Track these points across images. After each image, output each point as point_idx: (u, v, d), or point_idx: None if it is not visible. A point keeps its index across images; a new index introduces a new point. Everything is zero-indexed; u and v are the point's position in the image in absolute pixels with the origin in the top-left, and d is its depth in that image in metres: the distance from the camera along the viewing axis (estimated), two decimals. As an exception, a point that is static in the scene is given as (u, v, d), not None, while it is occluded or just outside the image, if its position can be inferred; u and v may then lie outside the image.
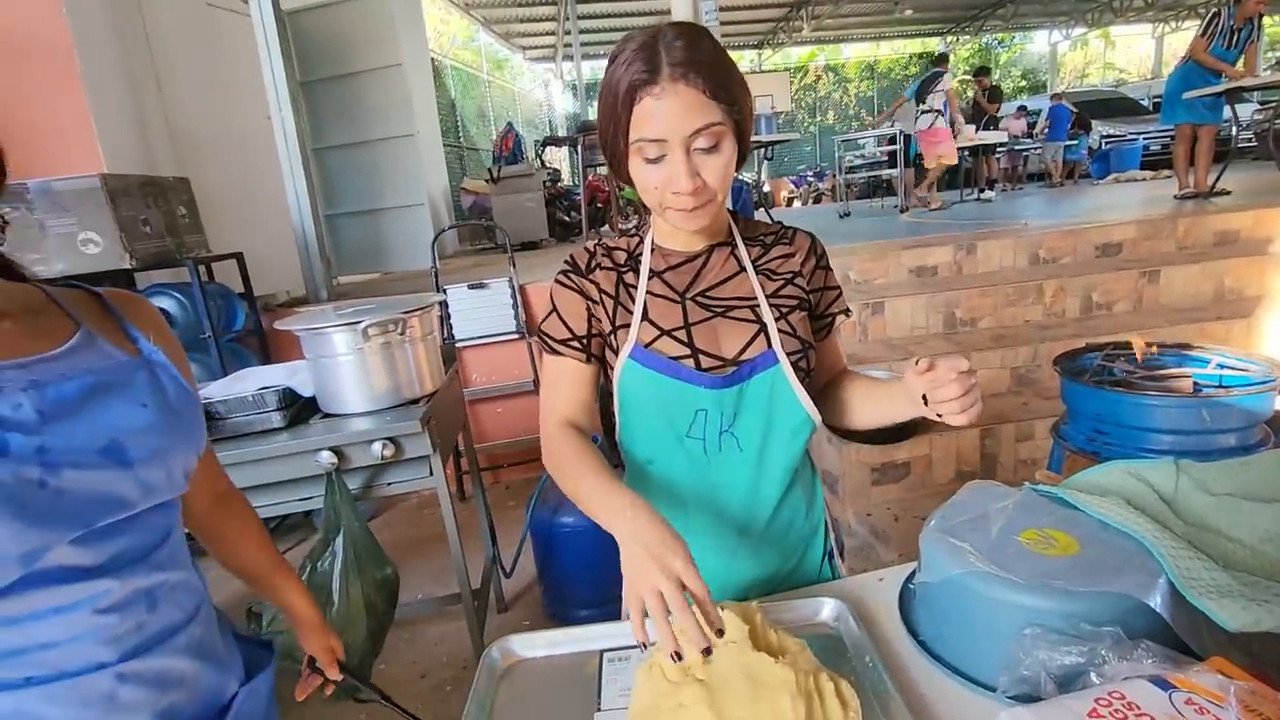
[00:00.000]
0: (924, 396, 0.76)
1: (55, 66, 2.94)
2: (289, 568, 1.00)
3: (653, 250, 0.92)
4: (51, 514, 0.61)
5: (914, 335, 3.31)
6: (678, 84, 0.74)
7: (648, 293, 0.89)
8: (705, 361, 0.85)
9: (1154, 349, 1.80)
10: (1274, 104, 5.59)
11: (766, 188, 10.30)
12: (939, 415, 0.76)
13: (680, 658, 0.64)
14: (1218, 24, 4.74)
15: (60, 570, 0.62)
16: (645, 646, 0.68)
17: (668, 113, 0.74)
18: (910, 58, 19.59)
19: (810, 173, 14.50)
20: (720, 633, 0.67)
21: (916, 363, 0.75)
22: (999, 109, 8.86)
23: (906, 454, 2.66)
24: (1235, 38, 4.72)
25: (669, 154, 0.76)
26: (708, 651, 0.64)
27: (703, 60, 0.74)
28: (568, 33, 12.50)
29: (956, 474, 2.70)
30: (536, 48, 15.35)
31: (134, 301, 0.80)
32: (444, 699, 2.00)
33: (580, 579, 2.19)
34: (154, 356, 0.76)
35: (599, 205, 7.34)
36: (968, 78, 11.77)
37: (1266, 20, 7.05)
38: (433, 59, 8.92)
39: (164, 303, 2.79)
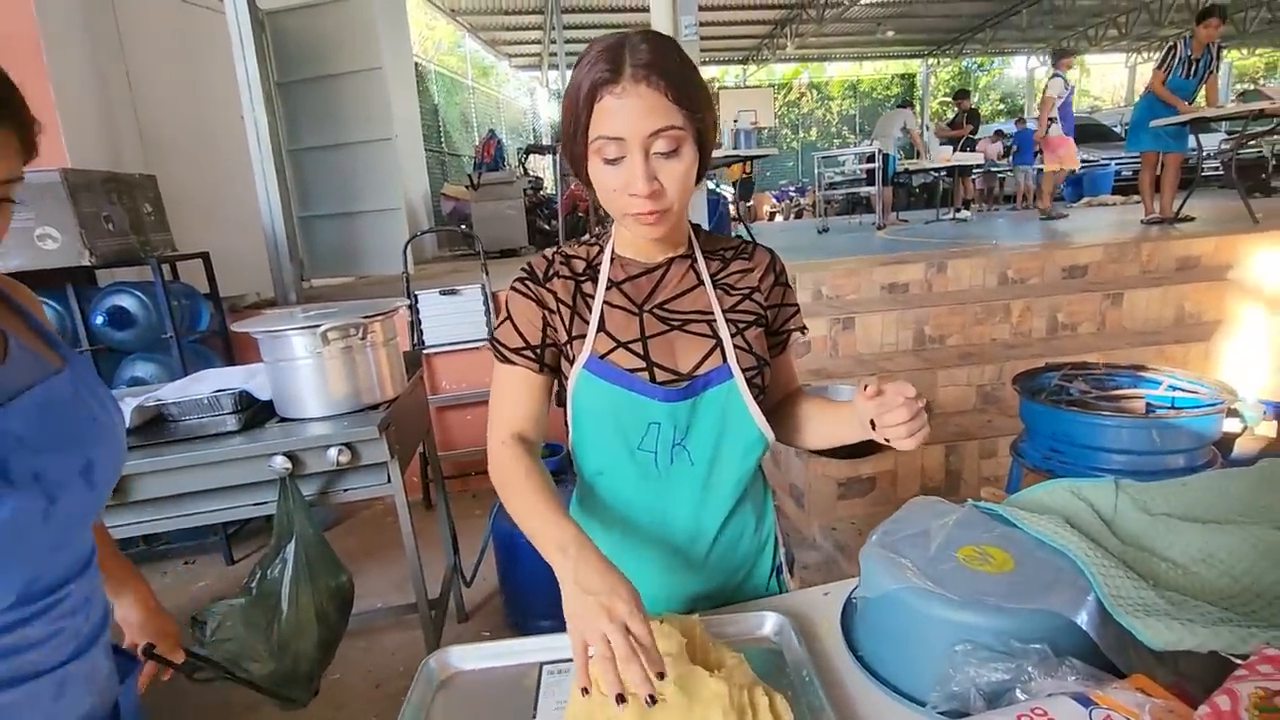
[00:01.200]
0: (871, 421, 0.76)
1: (21, 59, 2.87)
2: (123, 559, 0.98)
3: (612, 260, 0.91)
4: (49, 546, 0.64)
5: (884, 351, 3.35)
6: (639, 85, 0.74)
7: (605, 303, 0.88)
8: (660, 375, 0.85)
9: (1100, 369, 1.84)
10: (1238, 134, 5.76)
11: (750, 201, 10.39)
12: (886, 440, 0.76)
13: (624, 700, 0.62)
14: (1175, 55, 4.87)
15: (46, 583, 0.65)
16: (586, 691, 0.65)
17: (628, 112, 0.74)
18: (892, 78, 19.95)
19: (792, 188, 14.67)
20: (661, 676, 0.64)
21: (865, 388, 0.75)
22: (975, 130, 9.06)
23: (872, 469, 2.68)
24: (1194, 67, 4.86)
25: (627, 155, 0.76)
26: (652, 700, 0.62)
27: (667, 65, 0.75)
28: (553, 41, 12.54)
29: (921, 489, 2.73)
30: (522, 55, 15.37)
31: (22, 290, 0.75)
32: (398, 709, 1.96)
33: (542, 589, 2.15)
34: (76, 361, 0.74)
35: (580, 215, 7.35)
36: (948, 100, 12.02)
37: (1234, 54, 7.29)
38: (416, 63, 8.90)
39: (125, 301, 2.73)
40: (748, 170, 7.31)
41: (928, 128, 9.53)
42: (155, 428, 1.65)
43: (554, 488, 0.82)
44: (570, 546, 0.71)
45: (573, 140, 0.80)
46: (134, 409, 1.62)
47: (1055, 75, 6.51)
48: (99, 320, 2.70)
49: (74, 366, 0.72)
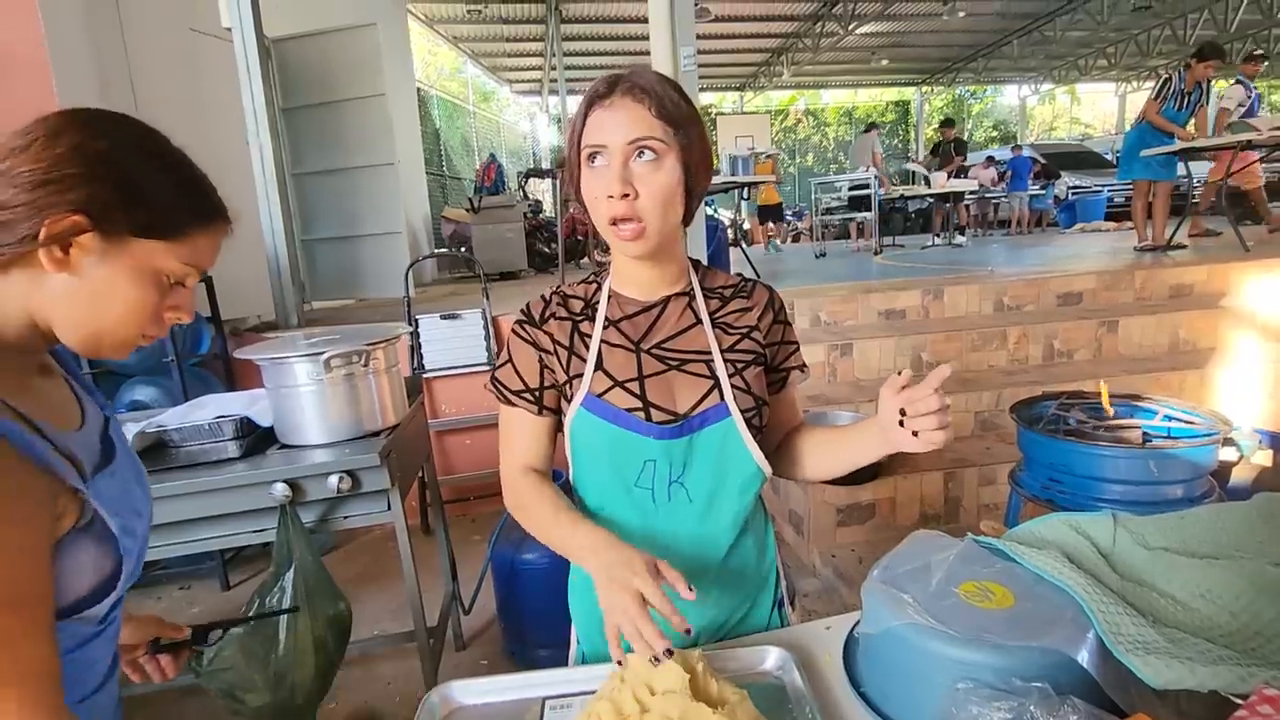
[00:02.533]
0: (901, 418, 0.75)
1: (30, 84, 2.92)
2: None
3: (610, 298, 0.93)
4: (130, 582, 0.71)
5: (881, 377, 3.36)
6: (625, 98, 0.80)
7: (603, 341, 0.89)
8: (657, 415, 0.86)
9: (1103, 398, 1.85)
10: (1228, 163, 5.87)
11: (746, 225, 10.49)
12: (915, 433, 0.75)
13: (660, 661, 0.70)
14: (1169, 88, 4.98)
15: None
16: (620, 664, 0.73)
17: (612, 120, 0.80)
18: (886, 105, 20.27)
19: (789, 212, 14.80)
20: (688, 632, 0.73)
21: (900, 373, 0.76)
22: (965, 159, 9.20)
23: (871, 495, 2.68)
24: (1186, 100, 4.97)
25: (609, 161, 0.80)
26: (669, 653, 0.70)
27: (655, 88, 0.81)
28: (554, 68, 12.74)
29: (920, 516, 2.73)
30: (523, 81, 15.60)
31: None
32: (394, 742, 1.94)
33: (541, 618, 2.15)
34: (109, 411, 0.77)
35: (579, 238, 7.41)
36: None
37: (1221, 84, 7.43)
38: (419, 89, 9.02)
39: (127, 325, 2.74)
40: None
41: (910, 158, 9.70)
42: (156, 454, 1.65)
43: (568, 501, 0.88)
44: (589, 545, 0.79)
45: (571, 157, 0.86)
46: (136, 434, 1.63)
47: (1237, 81, 5.65)
48: (100, 344, 2.70)
49: (110, 413, 0.76)
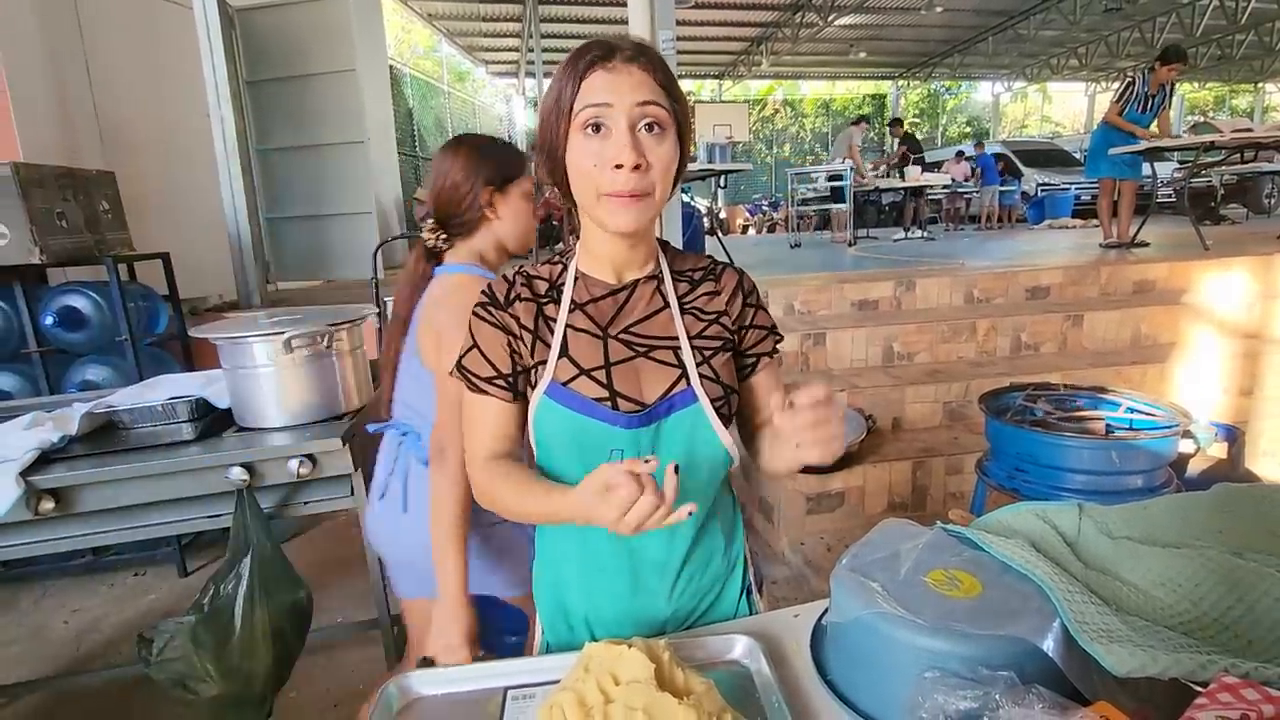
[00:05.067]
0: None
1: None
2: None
3: (576, 279, 0.89)
4: None
5: (854, 367, 3.38)
6: (630, 64, 0.77)
7: (568, 326, 0.86)
8: (624, 404, 0.83)
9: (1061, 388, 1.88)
10: (1190, 164, 6.01)
11: (723, 214, 10.48)
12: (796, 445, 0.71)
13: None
14: (1132, 91, 5.06)
15: None
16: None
17: (617, 83, 0.76)
18: (864, 98, 20.40)
19: (765, 202, 14.85)
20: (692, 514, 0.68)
21: (788, 404, 0.70)
22: (918, 155, 9.40)
23: (841, 484, 2.70)
24: (1150, 103, 5.05)
25: (613, 126, 0.75)
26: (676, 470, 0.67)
27: (655, 58, 0.79)
28: (530, 49, 12.55)
29: (889, 505, 2.76)
30: (499, 62, 15.35)
31: None
32: (357, 730, 1.90)
33: (507, 604, 2.12)
34: None
35: (554, 223, 7.32)
36: (915, 121, 12.43)
37: (1186, 87, 7.60)
38: (391, 67, 8.80)
39: (76, 301, 2.63)
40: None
41: (885, 151, 9.87)
42: (105, 436, 1.58)
43: (539, 475, 0.84)
44: (571, 498, 0.73)
45: (555, 122, 0.78)
46: (83, 415, 1.56)
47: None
48: (49, 320, 2.59)
49: None
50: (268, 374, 1.57)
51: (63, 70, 3.16)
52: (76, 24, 3.25)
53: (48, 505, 1.42)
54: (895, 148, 9.16)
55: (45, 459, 1.44)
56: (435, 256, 1.33)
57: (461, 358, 0.88)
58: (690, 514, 0.67)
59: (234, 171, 3.53)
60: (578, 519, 0.73)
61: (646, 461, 0.66)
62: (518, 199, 1.30)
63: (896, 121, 9.60)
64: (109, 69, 3.42)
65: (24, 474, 1.37)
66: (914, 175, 7.77)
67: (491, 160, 1.28)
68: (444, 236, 1.31)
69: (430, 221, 1.31)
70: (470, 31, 13.03)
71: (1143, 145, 4.95)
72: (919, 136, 9.93)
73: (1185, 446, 1.79)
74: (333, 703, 2.03)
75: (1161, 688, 0.66)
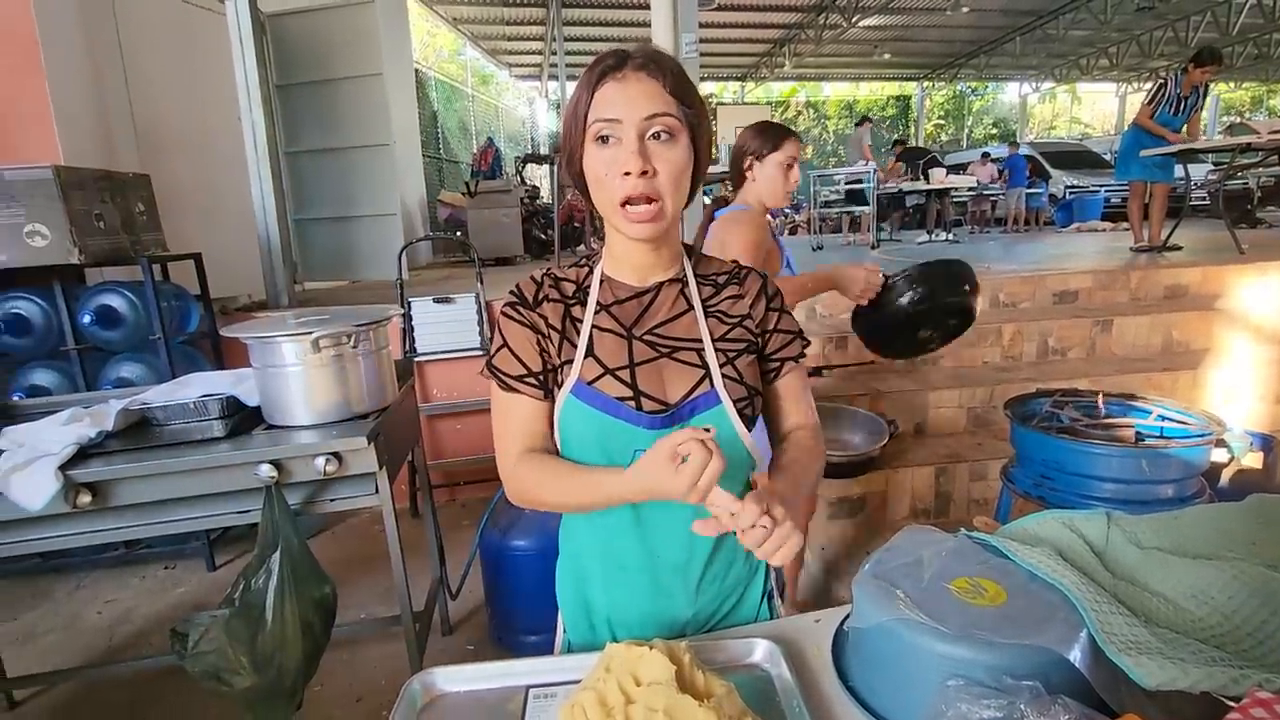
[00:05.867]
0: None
1: (17, 53, 2.86)
2: None
3: (602, 282, 0.90)
4: None
5: (876, 371, 3.35)
6: (640, 73, 0.79)
7: (594, 327, 0.87)
8: (647, 404, 0.84)
9: (1099, 400, 1.85)
10: (1225, 166, 5.86)
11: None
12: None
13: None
14: (1164, 93, 4.95)
15: None
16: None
17: (626, 95, 0.78)
18: (888, 99, 20.20)
19: (787, 204, 14.75)
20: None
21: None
22: (927, 166, 9.46)
23: (862, 489, 2.68)
24: (1182, 105, 4.94)
25: (622, 137, 0.78)
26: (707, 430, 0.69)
27: (667, 64, 0.80)
28: (554, 53, 12.62)
29: (911, 511, 2.73)
30: (523, 65, 15.45)
31: None
32: (379, 725, 1.93)
33: (528, 603, 2.14)
34: None
35: (576, 225, 7.36)
36: (941, 123, 12.44)
37: (1222, 87, 7.42)
38: (417, 70, 8.92)
39: (113, 300, 2.70)
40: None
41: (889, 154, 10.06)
42: (140, 432, 1.62)
43: (577, 463, 0.85)
44: (628, 486, 0.76)
45: (573, 133, 0.82)
46: (119, 411, 1.60)
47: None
48: (86, 319, 2.67)
49: None
50: (296, 373, 1.60)
51: (102, 77, 3.24)
52: (114, 30, 3.34)
53: (85, 499, 1.46)
54: (893, 162, 9.31)
55: (83, 454, 1.48)
56: (721, 203, 1.91)
57: (492, 357, 0.89)
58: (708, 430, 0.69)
59: (264, 173, 3.60)
60: (641, 494, 0.74)
61: (707, 430, 0.68)
62: (771, 166, 1.78)
63: (898, 142, 9.86)
64: (145, 74, 3.51)
65: (63, 468, 1.41)
66: (938, 177, 7.68)
67: (758, 136, 1.79)
68: (730, 188, 1.90)
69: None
70: (494, 35, 13.14)
71: (1175, 147, 4.84)
72: (943, 139, 9.87)
73: (1218, 456, 1.75)
74: (356, 697, 2.06)
75: (1191, 702, 0.65)
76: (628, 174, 0.77)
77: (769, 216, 1.89)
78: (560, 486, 0.83)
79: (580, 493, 0.82)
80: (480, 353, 3.41)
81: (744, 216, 1.77)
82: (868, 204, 7.68)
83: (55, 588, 2.84)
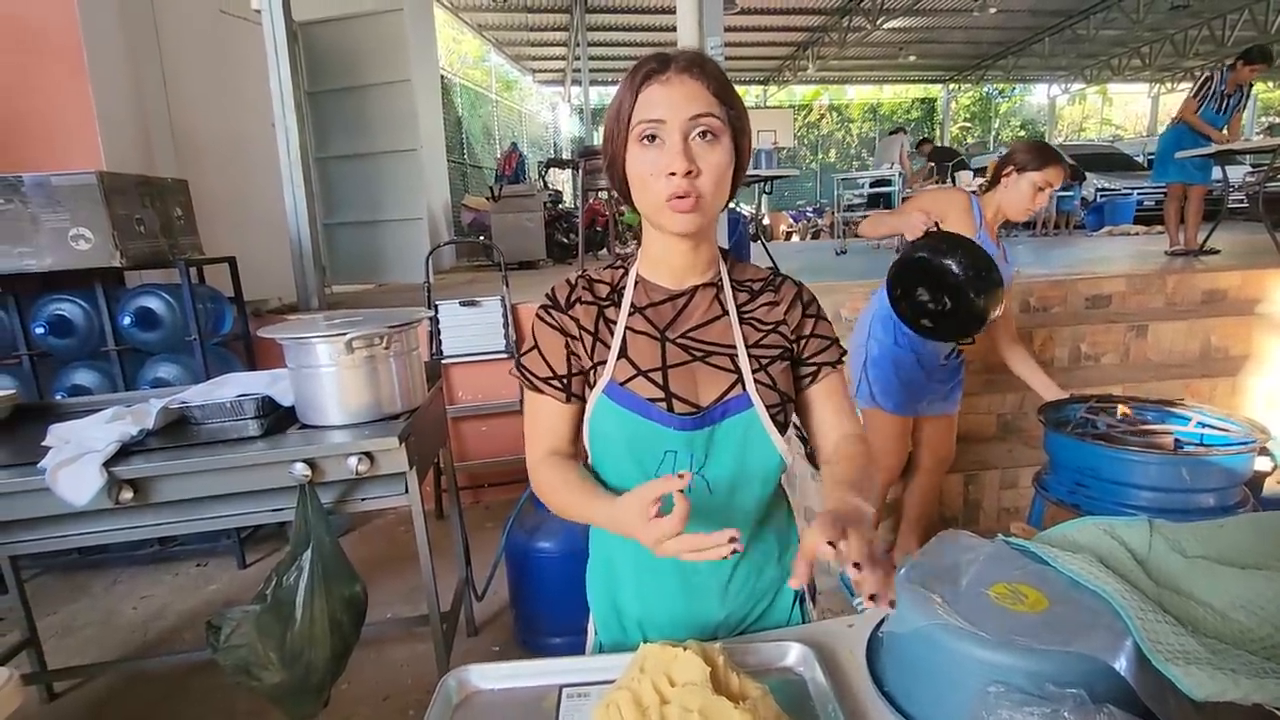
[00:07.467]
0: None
1: (63, 62, 2.96)
2: None
3: (636, 284, 0.91)
4: None
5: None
6: (684, 75, 0.80)
7: (627, 328, 0.88)
8: (679, 406, 0.84)
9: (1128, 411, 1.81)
10: (1265, 167, 5.70)
11: (766, 220, 10.42)
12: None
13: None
14: (1209, 88, 4.85)
15: None
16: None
17: (670, 97, 0.79)
18: (912, 102, 19.98)
19: (810, 208, 14.65)
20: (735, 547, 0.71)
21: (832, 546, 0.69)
22: (952, 167, 9.40)
23: (891, 495, 2.64)
24: (1225, 103, 4.83)
25: (667, 138, 0.79)
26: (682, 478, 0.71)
27: (710, 68, 0.81)
28: (577, 58, 12.69)
29: (940, 518, 2.69)
30: (546, 71, 15.56)
31: None
32: (406, 723, 1.95)
33: (553, 605, 2.15)
34: None
35: (598, 229, 7.39)
36: (968, 125, 12.33)
37: (1261, 86, 7.23)
38: (442, 76, 9.02)
39: (151, 302, 2.77)
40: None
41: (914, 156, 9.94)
42: (178, 430, 1.66)
43: (589, 478, 0.88)
44: (610, 517, 0.79)
45: (616, 135, 0.83)
46: (159, 410, 1.64)
47: None
48: (126, 321, 2.74)
49: None
50: (330, 374, 1.63)
51: (142, 84, 3.34)
52: (155, 39, 3.44)
53: (127, 495, 1.50)
54: (923, 164, 9.20)
55: (125, 451, 1.52)
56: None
57: (521, 356, 0.91)
58: (733, 554, 0.69)
59: (296, 179, 3.67)
60: (618, 530, 0.78)
61: (680, 476, 0.69)
62: (1026, 183, 1.96)
63: (925, 140, 9.71)
64: (183, 82, 3.60)
65: (107, 464, 1.45)
66: (965, 180, 7.59)
67: (1029, 152, 1.97)
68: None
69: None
70: (518, 41, 13.25)
71: (1213, 148, 4.73)
72: (969, 141, 9.75)
73: (1262, 464, 1.70)
74: (383, 696, 2.08)
75: (1241, 714, 0.63)
76: (672, 174, 0.78)
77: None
78: (565, 499, 0.86)
79: (578, 509, 0.85)
80: (506, 356, 3.44)
81: (954, 198, 2.13)
82: (893, 208, 7.60)
83: (93, 583, 2.91)
